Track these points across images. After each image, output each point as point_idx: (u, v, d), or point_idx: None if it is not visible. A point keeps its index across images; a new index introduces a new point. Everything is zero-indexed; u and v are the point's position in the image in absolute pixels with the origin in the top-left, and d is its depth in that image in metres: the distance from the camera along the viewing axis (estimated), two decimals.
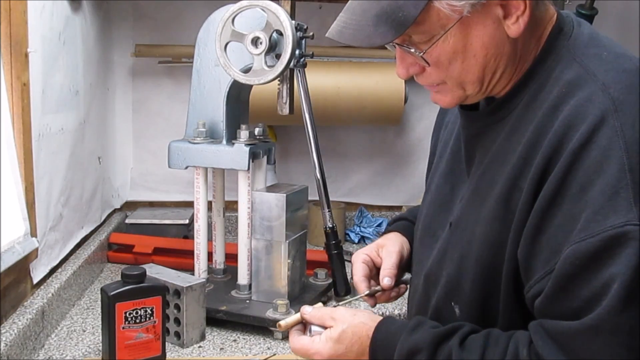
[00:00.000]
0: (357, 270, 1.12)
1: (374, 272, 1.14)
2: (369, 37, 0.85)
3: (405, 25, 0.84)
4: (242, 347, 1.39)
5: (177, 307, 1.36)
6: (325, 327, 0.98)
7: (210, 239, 1.65)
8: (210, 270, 1.65)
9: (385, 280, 1.09)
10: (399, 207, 2.31)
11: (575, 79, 0.86)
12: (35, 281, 1.38)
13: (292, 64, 1.41)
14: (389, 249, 1.14)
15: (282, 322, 1.03)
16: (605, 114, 0.80)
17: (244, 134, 1.50)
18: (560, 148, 0.82)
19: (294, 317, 1.03)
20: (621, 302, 0.74)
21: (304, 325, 1.03)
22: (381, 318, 0.98)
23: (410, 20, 0.83)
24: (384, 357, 0.93)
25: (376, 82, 2.05)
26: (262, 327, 1.44)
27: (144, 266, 1.35)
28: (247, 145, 1.49)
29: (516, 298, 0.89)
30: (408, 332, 0.91)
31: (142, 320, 1.24)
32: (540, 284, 0.82)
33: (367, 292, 1.09)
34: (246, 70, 1.43)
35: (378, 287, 1.09)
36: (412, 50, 0.89)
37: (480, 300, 0.92)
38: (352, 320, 0.97)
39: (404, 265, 1.14)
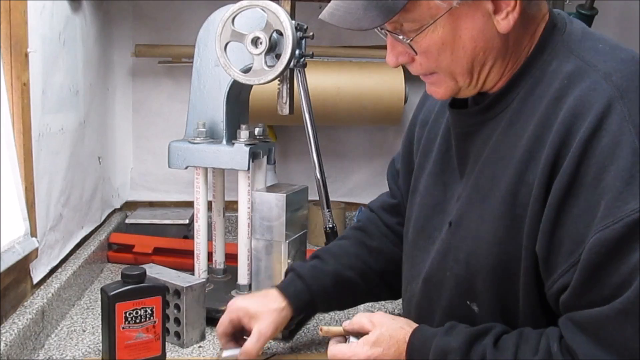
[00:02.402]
0: (222, 322, 1.20)
1: (238, 328, 1.21)
2: (358, 20, 0.86)
3: (394, 11, 0.84)
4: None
5: (177, 307, 1.36)
6: (363, 335, 1.01)
7: (210, 239, 1.65)
8: (210, 270, 1.64)
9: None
10: None
11: (575, 70, 0.86)
12: (35, 281, 1.38)
13: (292, 64, 1.41)
14: (260, 327, 1.16)
15: (324, 327, 1.07)
16: (611, 101, 0.80)
17: (244, 134, 1.50)
18: (568, 138, 0.82)
19: (337, 327, 1.07)
20: None
21: (344, 339, 1.06)
22: (418, 325, 1.00)
23: (399, 7, 0.84)
24: (420, 359, 0.94)
25: (376, 82, 2.04)
26: None
27: (144, 266, 1.35)
28: (247, 145, 1.49)
29: (537, 293, 0.88)
30: (442, 334, 0.93)
31: (142, 320, 1.24)
32: (565, 277, 0.81)
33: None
34: (246, 70, 1.43)
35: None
36: (401, 37, 0.89)
37: (498, 297, 0.92)
38: (391, 324, 0.99)
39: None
